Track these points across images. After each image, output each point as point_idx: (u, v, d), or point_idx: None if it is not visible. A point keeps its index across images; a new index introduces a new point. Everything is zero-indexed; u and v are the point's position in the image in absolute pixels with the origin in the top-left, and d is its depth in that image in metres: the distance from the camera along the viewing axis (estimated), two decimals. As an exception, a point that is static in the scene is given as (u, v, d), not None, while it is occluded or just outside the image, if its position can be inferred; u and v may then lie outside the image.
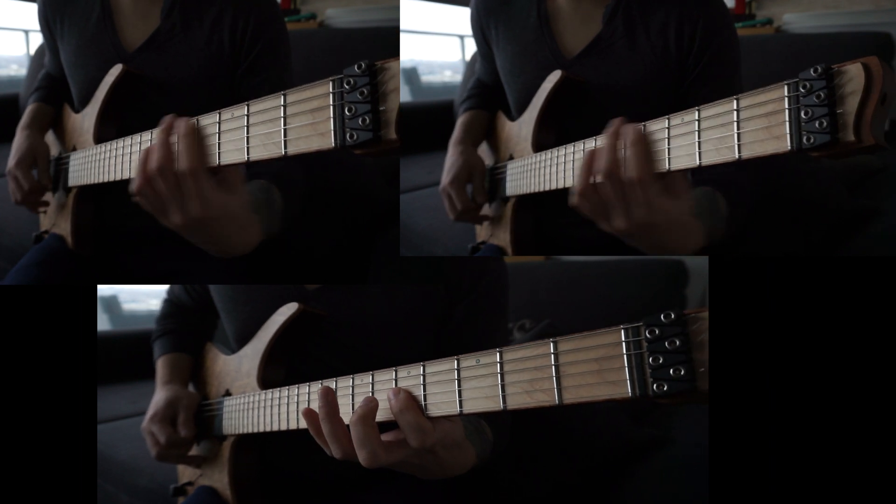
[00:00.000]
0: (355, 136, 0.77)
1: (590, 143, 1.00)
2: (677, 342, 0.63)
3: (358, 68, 0.77)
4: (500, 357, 0.72)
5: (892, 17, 1.73)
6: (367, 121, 0.76)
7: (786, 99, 0.74)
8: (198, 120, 0.90)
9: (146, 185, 0.90)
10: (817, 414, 1.14)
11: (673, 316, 0.63)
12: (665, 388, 0.63)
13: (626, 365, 0.64)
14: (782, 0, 1.92)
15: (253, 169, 1.16)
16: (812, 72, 0.72)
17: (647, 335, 0.64)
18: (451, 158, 1.30)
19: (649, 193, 0.86)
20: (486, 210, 1.32)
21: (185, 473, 1.26)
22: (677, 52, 1.14)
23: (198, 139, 0.88)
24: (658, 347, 0.63)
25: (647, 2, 1.15)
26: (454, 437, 0.82)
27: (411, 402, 0.78)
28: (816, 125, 0.71)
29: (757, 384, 1.16)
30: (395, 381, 0.81)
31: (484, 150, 1.34)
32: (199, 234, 0.94)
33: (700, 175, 1.09)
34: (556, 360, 0.68)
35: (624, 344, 0.65)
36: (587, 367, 0.66)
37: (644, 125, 0.89)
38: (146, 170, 0.90)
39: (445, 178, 1.29)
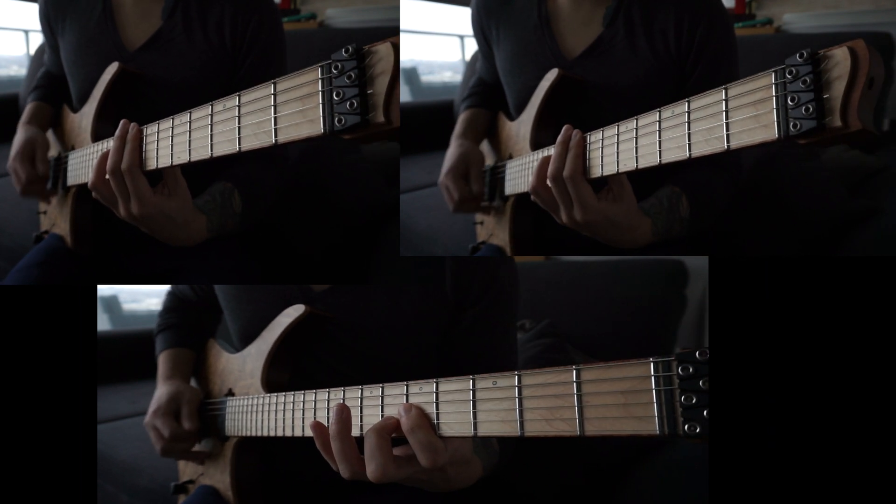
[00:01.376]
0: (343, 121, 0.76)
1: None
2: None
3: (345, 52, 0.76)
4: (519, 381, 0.69)
5: (892, 17, 1.73)
6: (355, 104, 0.75)
7: (773, 86, 0.73)
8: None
9: (99, 183, 1.04)
10: (817, 414, 1.14)
11: (709, 354, 0.60)
12: (697, 430, 0.60)
13: (654, 401, 0.61)
14: (782, 0, 1.92)
15: (222, 172, 1.17)
16: (798, 57, 0.71)
17: (680, 372, 0.60)
18: (449, 152, 1.32)
19: (582, 195, 0.98)
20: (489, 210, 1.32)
21: (186, 471, 1.26)
22: (677, 54, 1.14)
23: (140, 145, 1.00)
24: (691, 386, 0.60)
25: (647, 4, 1.15)
26: (463, 453, 0.81)
27: (423, 420, 0.76)
28: (803, 111, 0.70)
29: (757, 384, 1.16)
30: (407, 396, 0.79)
31: (485, 150, 1.34)
32: (142, 227, 1.06)
33: (674, 174, 1.11)
34: (579, 388, 0.65)
35: (653, 378, 0.61)
36: (612, 400, 0.63)
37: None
38: (101, 169, 1.03)
39: (443, 171, 1.30)
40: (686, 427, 0.60)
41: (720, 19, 1.15)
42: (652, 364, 0.61)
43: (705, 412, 0.60)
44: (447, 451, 0.76)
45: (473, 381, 0.73)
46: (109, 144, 1.10)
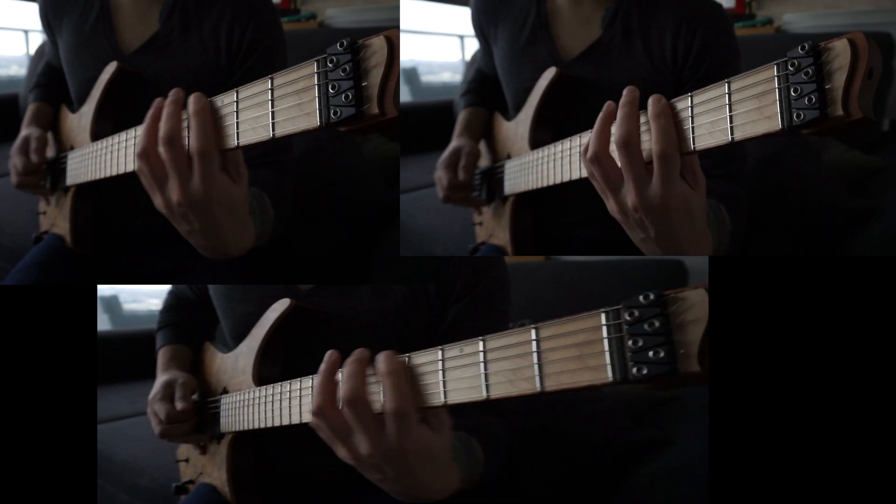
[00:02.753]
0: (339, 113, 0.77)
1: (586, 137, 0.99)
2: (656, 323, 0.60)
3: (340, 46, 0.77)
4: (484, 346, 0.71)
5: (892, 17, 1.73)
6: (350, 97, 0.76)
7: (775, 78, 0.74)
8: (212, 101, 0.89)
9: (151, 150, 0.88)
10: (817, 414, 1.14)
11: (652, 296, 0.61)
12: (645, 372, 0.60)
13: (606, 349, 0.63)
14: (782, 0, 1.92)
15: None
16: (800, 49, 0.72)
17: (627, 317, 0.62)
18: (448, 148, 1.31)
19: (670, 170, 0.81)
20: (488, 212, 1.32)
21: (187, 472, 1.26)
22: (673, 61, 1.13)
23: (212, 118, 0.87)
24: (637, 330, 0.61)
25: (646, 8, 1.15)
26: (432, 448, 0.78)
27: (398, 366, 0.77)
28: (806, 102, 0.72)
29: (757, 384, 1.16)
30: None
31: (482, 150, 1.34)
32: (195, 220, 0.90)
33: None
34: (538, 346, 0.67)
35: (604, 328, 0.63)
36: (568, 353, 0.65)
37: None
38: (152, 135, 0.87)
39: (438, 163, 1.30)
40: (634, 370, 0.61)
41: (720, 26, 1.14)
42: (602, 314, 0.63)
43: (651, 353, 0.60)
44: (417, 408, 0.76)
45: (442, 350, 0.75)
46: (110, 142, 1.09)
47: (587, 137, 0.98)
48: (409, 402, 0.76)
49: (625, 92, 0.85)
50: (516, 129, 1.24)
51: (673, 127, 0.81)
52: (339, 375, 0.81)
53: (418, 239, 1.61)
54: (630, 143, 0.83)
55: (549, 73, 1.17)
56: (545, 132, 1.19)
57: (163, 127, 0.87)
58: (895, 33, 1.65)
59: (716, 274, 1.17)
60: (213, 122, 0.87)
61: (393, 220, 1.43)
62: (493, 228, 1.30)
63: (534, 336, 0.67)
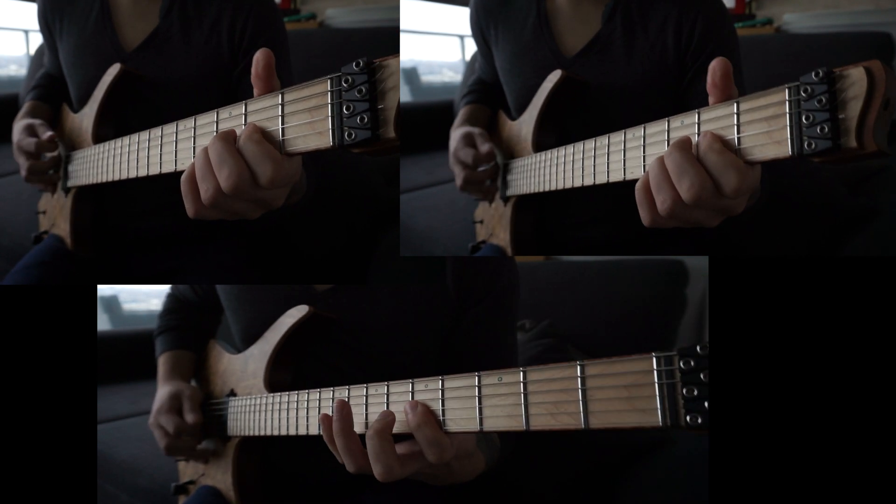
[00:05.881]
0: (353, 135, 0.75)
1: (589, 144, 0.99)
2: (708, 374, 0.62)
3: (356, 66, 0.75)
4: (524, 377, 0.71)
5: (892, 17, 1.73)
6: (366, 119, 0.75)
7: (787, 103, 0.71)
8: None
9: (214, 210, 0.79)
10: (817, 414, 1.14)
11: (708, 349, 0.63)
12: (699, 421, 0.62)
13: (657, 394, 0.63)
14: (782, 0, 1.92)
15: None
16: (813, 75, 0.69)
17: (682, 365, 0.63)
18: (451, 139, 1.29)
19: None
20: (489, 211, 1.32)
21: (187, 472, 1.26)
22: (675, 50, 1.14)
23: (267, 139, 0.78)
24: (692, 379, 0.62)
25: (645, 1, 1.15)
26: (466, 447, 0.81)
27: (429, 417, 0.77)
28: (818, 131, 0.69)
29: (756, 384, 1.16)
30: (412, 393, 0.80)
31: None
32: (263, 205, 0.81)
33: None
34: (584, 383, 0.67)
35: (655, 372, 0.64)
36: (615, 393, 0.65)
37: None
38: (214, 193, 0.77)
39: (451, 151, 1.28)
40: (688, 418, 0.62)
41: (719, 13, 1.15)
42: (654, 359, 0.64)
43: (706, 403, 0.61)
44: (453, 446, 0.77)
45: (479, 377, 0.75)
46: (112, 146, 1.09)
47: (590, 144, 0.98)
48: (448, 451, 0.77)
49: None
50: (520, 130, 1.24)
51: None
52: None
53: (418, 239, 1.61)
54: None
55: (554, 76, 1.16)
56: (549, 135, 1.19)
57: (225, 176, 0.75)
58: (895, 33, 1.65)
59: (716, 274, 1.17)
60: (270, 141, 0.79)
61: (393, 220, 1.43)
62: (493, 228, 1.30)
63: (579, 373, 0.67)
